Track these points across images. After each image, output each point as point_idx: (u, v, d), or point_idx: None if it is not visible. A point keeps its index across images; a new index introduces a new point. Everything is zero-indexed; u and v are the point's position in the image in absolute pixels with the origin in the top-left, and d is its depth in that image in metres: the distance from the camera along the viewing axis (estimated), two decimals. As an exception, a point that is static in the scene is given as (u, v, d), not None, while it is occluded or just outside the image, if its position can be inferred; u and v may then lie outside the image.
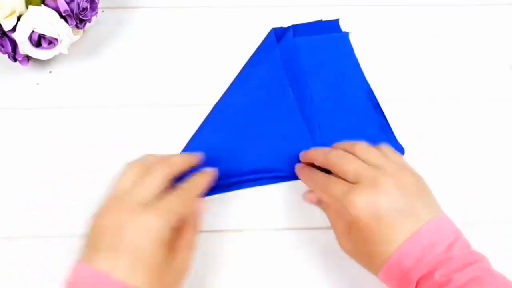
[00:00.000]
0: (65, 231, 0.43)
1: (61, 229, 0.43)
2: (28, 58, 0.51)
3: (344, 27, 0.56)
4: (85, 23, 0.51)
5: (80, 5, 0.49)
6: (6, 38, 0.48)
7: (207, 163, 0.45)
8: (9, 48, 0.49)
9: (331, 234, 0.38)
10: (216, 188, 0.44)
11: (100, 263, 0.26)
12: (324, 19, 0.57)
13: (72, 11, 0.49)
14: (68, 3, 0.48)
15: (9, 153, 0.47)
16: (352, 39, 0.55)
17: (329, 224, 0.38)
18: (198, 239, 0.33)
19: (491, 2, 0.59)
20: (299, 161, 0.44)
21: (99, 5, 0.52)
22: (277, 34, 0.54)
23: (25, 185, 0.45)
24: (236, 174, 0.45)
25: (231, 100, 0.50)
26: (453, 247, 0.31)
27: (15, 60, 0.50)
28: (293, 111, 0.49)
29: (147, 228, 0.27)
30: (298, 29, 0.55)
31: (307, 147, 0.45)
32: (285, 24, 0.56)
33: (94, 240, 0.28)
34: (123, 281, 0.25)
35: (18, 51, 0.49)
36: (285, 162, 0.45)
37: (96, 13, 0.52)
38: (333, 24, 0.56)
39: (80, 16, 0.49)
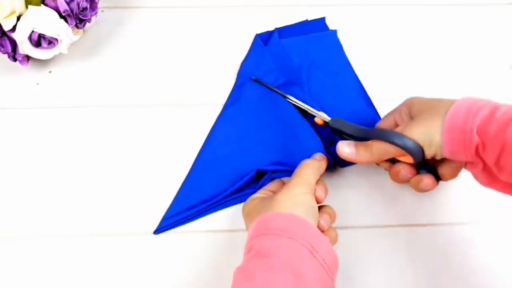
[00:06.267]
0: (65, 231, 0.43)
1: (61, 229, 0.43)
2: (28, 58, 0.51)
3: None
4: (85, 23, 0.51)
5: (80, 5, 0.49)
6: (6, 38, 0.48)
7: (217, 174, 0.45)
8: (9, 48, 0.49)
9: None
10: (234, 198, 0.45)
11: (286, 210, 0.36)
12: (317, 18, 0.57)
13: (72, 11, 0.49)
14: (68, 3, 0.48)
15: (9, 153, 0.47)
16: (353, 40, 0.55)
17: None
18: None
19: (491, 2, 0.59)
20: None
21: (99, 5, 0.52)
22: (263, 39, 0.54)
23: (25, 185, 0.45)
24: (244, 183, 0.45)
25: (228, 121, 0.49)
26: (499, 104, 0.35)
27: (15, 60, 0.50)
28: (295, 114, 0.48)
29: (306, 198, 0.38)
30: (283, 31, 0.54)
31: (317, 146, 0.45)
32: (283, 23, 0.56)
33: (278, 205, 0.37)
34: (300, 216, 0.36)
35: (18, 51, 0.49)
36: (290, 162, 0.45)
37: (96, 13, 0.52)
38: (320, 23, 0.56)
39: (80, 16, 0.49)
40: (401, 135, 0.38)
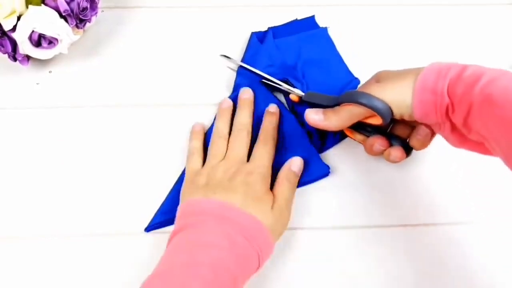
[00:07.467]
0: (65, 231, 0.43)
1: (61, 229, 0.43)
2: (28, 58, 0.51)
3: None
4: (85, 23, 0.51)
5: (80, 5, 0.49)
6: (6, 38, 0.48)
7: None
8: (9, 48, 0.49)
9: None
10: None
11: (218, 198, 0.37)
12: (317, 18, 0.57)
13: (72, 10, 0.49)
14: (68, 3, 0.48)
15: (9, 153, 0.47)
16: (352, 39, 0.55)
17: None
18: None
19: (491, 2, 0.59)
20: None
21: (99, 5, 0.52)
22: (258, 38, 0.54)
23: (25, 185, 0.45)
24: None
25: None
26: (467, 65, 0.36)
27: (15, 60, 0.50)
28: (289, 121, 0.48)
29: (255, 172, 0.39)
30: (275, 32, 0.54)
31: (305, 155, 0.45)
32: (280, 22, 0.56)
33: (210, 185, 0.38)
34: (239, 208, 0.36)
35: (18, 50, 0.49)
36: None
37: (96, 13, 0.52)
38: (310, 21, 0.56)
39: (80, 16, 0.49)
40: (368, 95, 0.38)
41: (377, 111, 0.38)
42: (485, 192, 0.45)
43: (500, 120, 0.32)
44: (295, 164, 0.43)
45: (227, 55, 0.52)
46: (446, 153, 0.48)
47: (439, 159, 0.47)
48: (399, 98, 0.37)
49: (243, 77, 0.51)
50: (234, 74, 0.52)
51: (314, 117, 0.42)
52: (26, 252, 0.42)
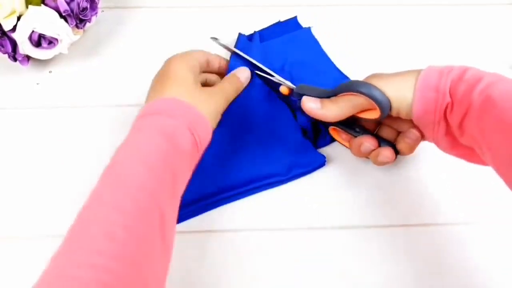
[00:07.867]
0: (65, 231, 0.43)
1: (61, 229, 0.43)
2: (28, 58, 0.51)
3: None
4: (85, 23, 0.51)
5: (80, 5, 0.49)
6: (6, 38, 0.48)
7: (202, 179, 0.44)
8: (9, 48, 0.49)
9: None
10: (211, 204, 0.44)
11: (167, 93, 0.39)
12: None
13: (72, 11, 0.49)
14: (68, 3, 0.48)
15: (9, 153, 0.47)
16: (354, 41, 0.55)
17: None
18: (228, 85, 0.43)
19: (491, 2, 0.59)
20: (293, 163, 0.45)
21: (99, 5, 0.52)
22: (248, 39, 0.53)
23: (25, 185, 0.45)
24: (231, 187, 0.44)
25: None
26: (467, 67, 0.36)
27: (15, 60, 0.50)
28: (282, 111, 0.48)
29: (179, 66, 0.40)
30: (260, 35, 0.54)
31: (299, 146, 0.45)
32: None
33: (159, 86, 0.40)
34: (174, 97, 0.38)
35: (18, 51, 0.49)
36: (280, 164, 0.45)
37: (96, 13, 0.52)
38: (293, 23, 0.56)
39: (80, 16, 0.50)
40: (369, 85, 0.37)
41: (376, 101, 0.37)
42: (485, 193, 0.45)
43: (497, 122, 0.32)
44: (241, 72, 0.44)
45: (215, 36, 0.49)
46: (446, 154, 0.48)
47: (439, 159, 0.47)
48: (399, 94, 0.37)
49: (235, 63, 0.50)
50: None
51: (311, 105, 0.41)
52: (26, 252, 0.42)
